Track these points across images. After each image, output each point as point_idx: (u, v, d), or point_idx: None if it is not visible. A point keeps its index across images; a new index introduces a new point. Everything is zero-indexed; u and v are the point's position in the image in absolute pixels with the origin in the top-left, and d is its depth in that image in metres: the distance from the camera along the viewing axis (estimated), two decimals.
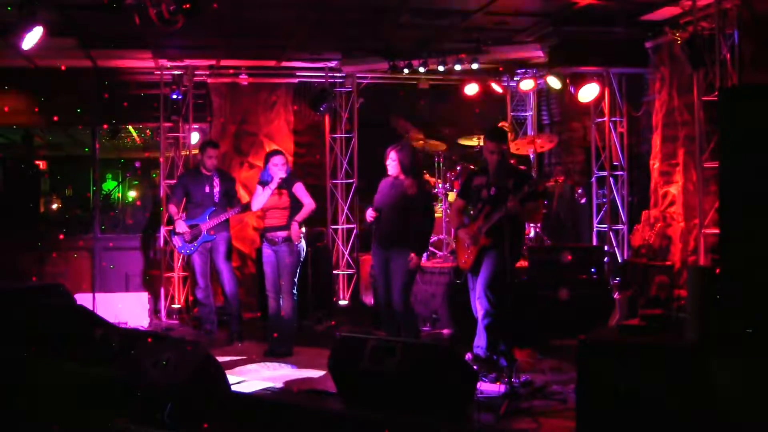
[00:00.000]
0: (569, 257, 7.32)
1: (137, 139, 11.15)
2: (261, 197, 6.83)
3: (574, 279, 7.24)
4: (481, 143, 9.03)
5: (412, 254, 6.02)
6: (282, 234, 6.78)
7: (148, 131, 10.81)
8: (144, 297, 8.67)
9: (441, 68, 8.61)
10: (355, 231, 9.69)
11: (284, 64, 9.40)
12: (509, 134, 9.21)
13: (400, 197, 6.11)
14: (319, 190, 9.81)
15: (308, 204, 6.88)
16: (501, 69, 9.47)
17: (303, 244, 6.94)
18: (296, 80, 9.72)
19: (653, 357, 3.87)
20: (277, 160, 6.79)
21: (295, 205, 6.85)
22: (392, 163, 6.16)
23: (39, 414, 4.58)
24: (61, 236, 9.21)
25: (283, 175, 6.74)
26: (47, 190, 10.74)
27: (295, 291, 6.86)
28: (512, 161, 7.43)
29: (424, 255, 7.01)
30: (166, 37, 7.77)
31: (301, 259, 6.93)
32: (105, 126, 9.44)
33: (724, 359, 3.79)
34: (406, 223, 6.08)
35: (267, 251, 6.89)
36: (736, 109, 4.48)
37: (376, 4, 7.10)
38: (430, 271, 7.71)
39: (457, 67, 8.56)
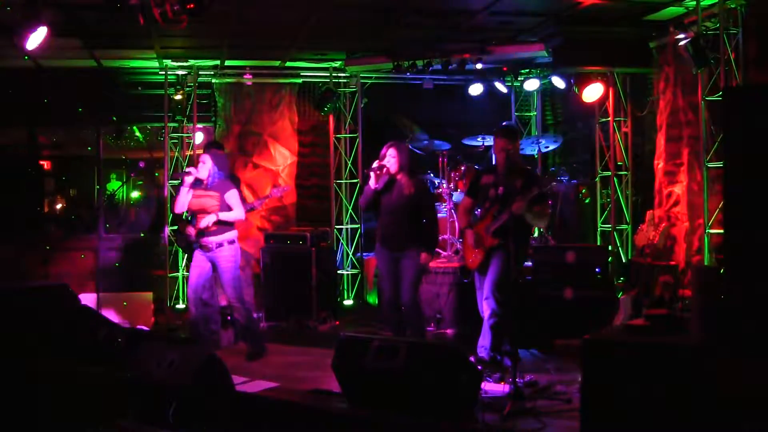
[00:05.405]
0: (573, 257, 7.30)
1: (141, 139, 11.17)
2: (179, 197, 6.46)
3: (578, 279, 7.22)
4: (486, 143, 9.05)
5: (423, 254, 5.98)
6: (216, 240, 6.39)
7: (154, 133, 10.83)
8: (148, 297, 8.68)
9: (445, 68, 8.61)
10: (359, 231, 9.70)
11: (289, 64, 9.41)
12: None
13: (402, 197, 6.06)
14: (324, 190, 9.85)
15: (237, 213, 6.37)
16: (505, 69, 9.46)
17: (236, 246, 6.51)
18: (301, 80, 9.73)
19: (658, 357, 3.86)
20: (202, 157, 6.48)
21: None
22: (391, 160, 6.04)
23: (44, 415, 4.59)
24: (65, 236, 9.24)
25: (197, 175, 6.36)
26: (51, 190, 10.76)
27: (243, 299, 6.61)
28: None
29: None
30: (170, 37, 7.79)
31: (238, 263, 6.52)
32: (109, 126, 9.46)
33: (728, 360, 3.77)
34: (412, 221, 6.04)
35: (199, 256, 6.50)
36: (741, 109, 4.47)
37: (380, 4, 7.10)
38: (435, 271, 7.70)
39: (462, 67, 8.56)
